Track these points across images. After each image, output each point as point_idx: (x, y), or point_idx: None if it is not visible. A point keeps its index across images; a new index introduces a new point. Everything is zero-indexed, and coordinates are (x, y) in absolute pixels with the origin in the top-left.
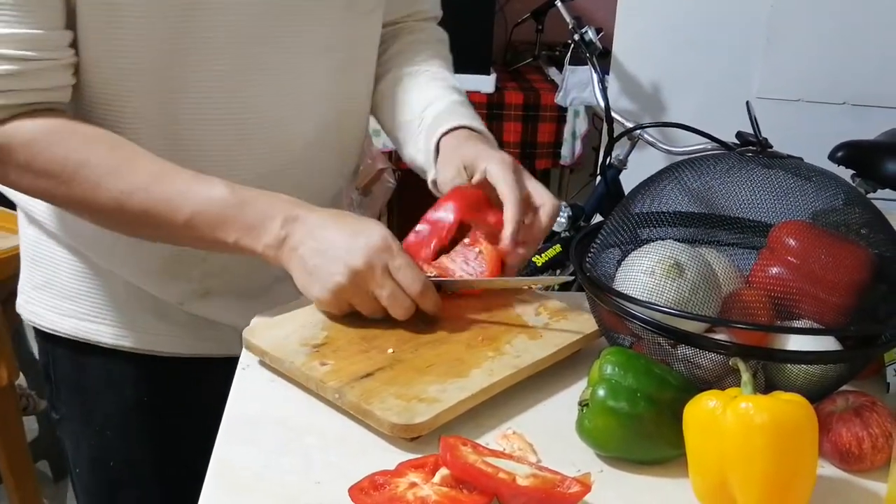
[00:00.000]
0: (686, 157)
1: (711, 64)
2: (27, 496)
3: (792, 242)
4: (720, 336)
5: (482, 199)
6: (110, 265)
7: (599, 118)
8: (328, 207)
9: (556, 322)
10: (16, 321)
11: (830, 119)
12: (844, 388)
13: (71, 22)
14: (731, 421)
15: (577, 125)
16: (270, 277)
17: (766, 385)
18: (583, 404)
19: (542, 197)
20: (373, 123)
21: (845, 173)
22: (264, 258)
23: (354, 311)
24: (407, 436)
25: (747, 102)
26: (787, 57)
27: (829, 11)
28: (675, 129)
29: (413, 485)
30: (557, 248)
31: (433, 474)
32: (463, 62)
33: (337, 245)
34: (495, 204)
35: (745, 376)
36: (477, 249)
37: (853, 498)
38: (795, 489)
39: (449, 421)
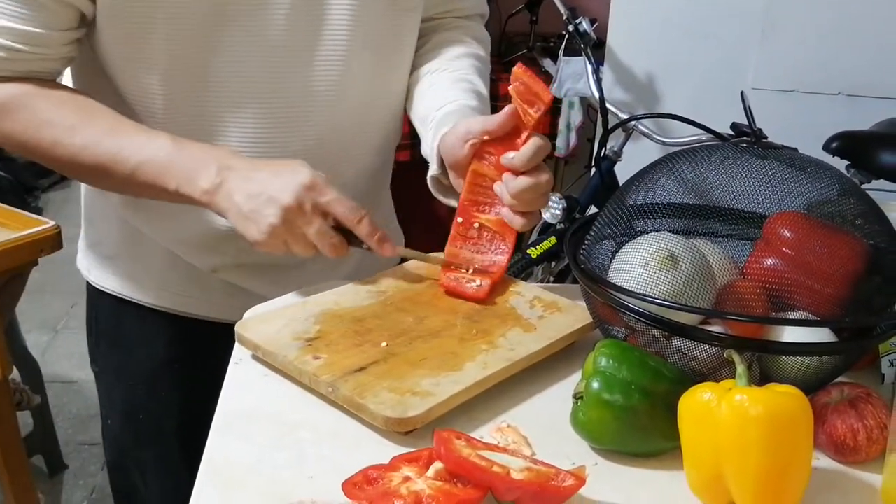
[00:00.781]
0: (681, 148)
1: (706, 55)
2: (22, 491)
3: (787, 233)
4: (715, 328)
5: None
6: (151, 233)
7: (594, 109)
8: (363, 192)
9: (551, 314)
10: (9, 316)
11: (825, 109)
12: (839, 379)
13: (85, 20)
14: (725, 413)
15: (571, 116)
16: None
17: (760, 377)
18: (577, 397)
19: None
20: None
21: (839, 164)
22: (203, 205)
23: (349, 303)
24: (401, 429)
25: (742, 93)
26: (782, 47)
27: (825, 2)
28: (669, 120)
29: (407, 479)
30: (552, 239)
31: (427, 468)
32: None
33: (268, 187)
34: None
35: (740, 368)
36: (476, 226)
37: (848, 490)
38: (790, 481)
39: (443, 414)
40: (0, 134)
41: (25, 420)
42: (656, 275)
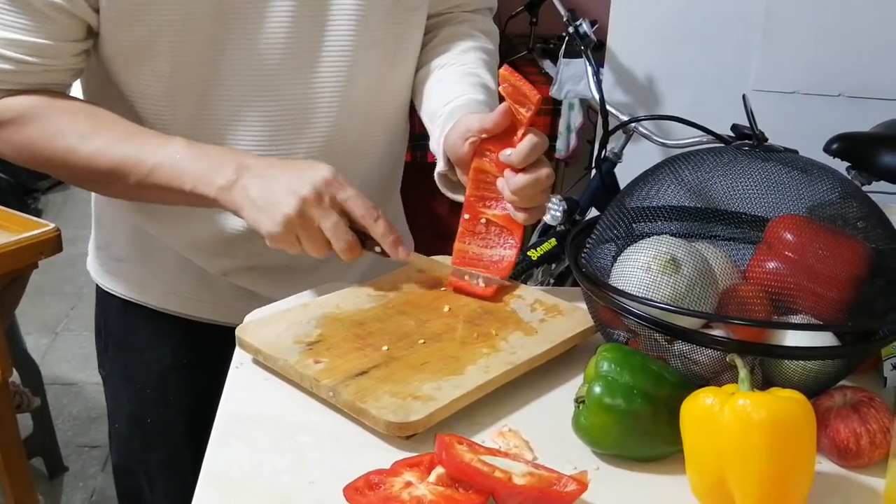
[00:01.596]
0: (681, 150)
1: (707, 56)
2: (22, 493)
3: (789, 237)
4: (717, 332)
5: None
6: (162, 236)
7: (594, 111)
8: (372, 193)
9: (552, 318)
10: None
11: (826, 111)
12: (842, 383)
13: (92, 30)
14: (728, 418)
15: (571, 118)
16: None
17: (763, 381)
18: (579, 401)
19: None
20: None
21: (840, 165)
22: (218, 203)
23: (350, 307)
24: (402, 434)
25: (744, 96)
26: (782, 49)
27: (825, 4)
28: (670, 122)
29: (408, 484)
30: (553, 241)
31: (429, 473)
32: None
33: (285, 180)
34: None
35: (743, 372)
36: (483, 221)
37: (851, 494)
38: (793, 486)
39: (444, 419)
40: (14, 146)
41: (25, 422)
42: (658, 278)
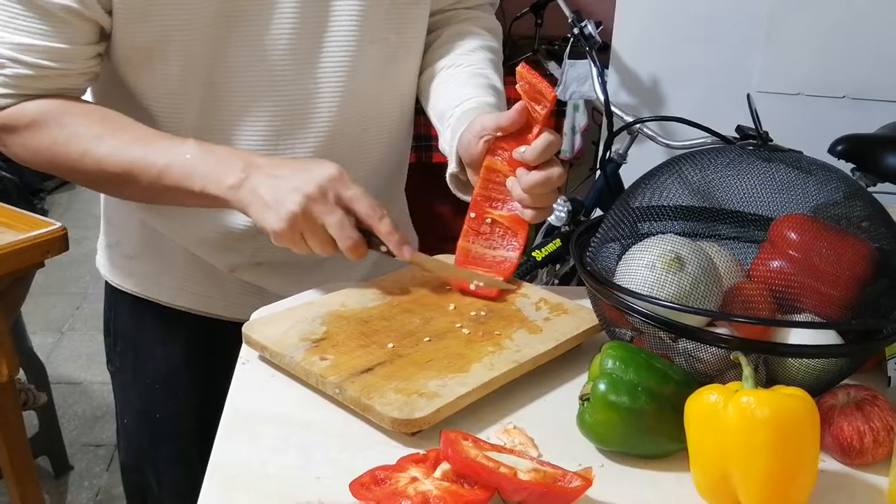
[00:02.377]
0: (686, 151)
1: (711, 58)
2: (27, 492)
3: (793, 236)
4: (721, 330)
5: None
6: (171, 233)
7: (599, 112)
8: (376, 190)
9: (557, 316)
10: (14, 317)
11: (830, 113)
12: (845, 382)
13: (104, 33)
14: (732, 415)
15: (576, 119)
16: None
17: (767, 379)
18: (584, 399)
19: None
20: None
21: (845, 167)
22: (227, 203)
23: (356, 304)
24: (408, 430)
25: (748, 95)
26: (786, 51)
27: (830, 5)
28: (674, 123)
29: (414, 479)
30: (557, 242)
31: (434, 469)
32: None
33: (292, 179)
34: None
35: (747, 370)
36: (489, 221)
37: (855, 492)
38: (797, 483)
39: (450, 415)
40: (30, 150)
41: (31, 421)
42: (663, 277)
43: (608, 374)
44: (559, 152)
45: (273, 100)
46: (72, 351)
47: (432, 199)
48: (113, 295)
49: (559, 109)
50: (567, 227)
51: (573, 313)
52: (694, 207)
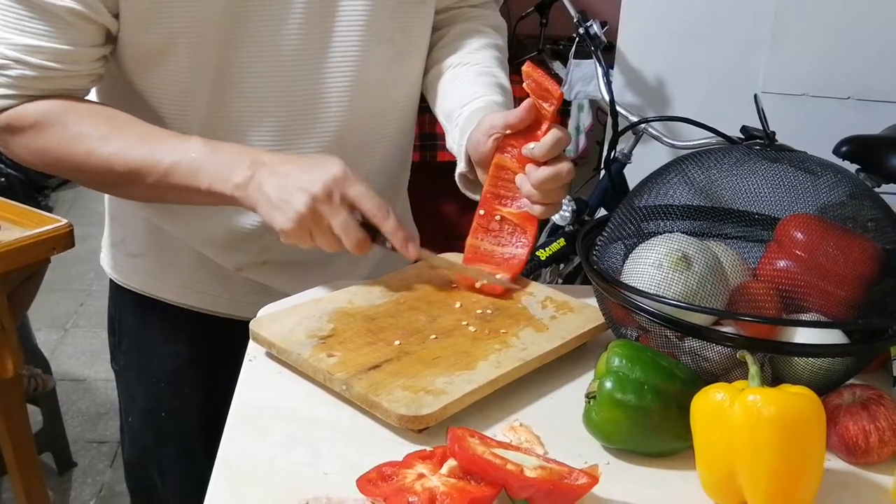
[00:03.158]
0: (691, 151)
1: (716, 58)
2: (32, 488)
3: (799, 236)
4: (727, 329)
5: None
6: (177, 232)
7: (604, 112)
8: (382, 188)
9: (563, 315)
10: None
11: (835, 113)
12: (851, 381)
13: (110, 35)
14: (738, 414)
15: (581, 119)
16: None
17: (772, 378)
18: (590, 397)
19: None
20: None
21: (850, 168)
22: (234, 201)
23: (363, 302)
24: (415, 427)
25: (755, 95)
26: (792, 51)
27: (835, 6)
28: (679, 123)
29: (421, 476)
30: (562, 241)
31: (441, 465)
32: None
33: (298, 177)
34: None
35: (753, 369)
36: (498, 218)
37: (860, 491)
38: (803, 482)
39: (456, 412)
40: (33, 151)
41: (35, 417)
42: (669, 276)
43: (614, 372)
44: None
45: (280, 99)
46: (76, 348)
47: (437, 198)
48: (117, 293)
49: (564, 109)
50: (571, 227)
51: (579, 312)
52: (700, 207)
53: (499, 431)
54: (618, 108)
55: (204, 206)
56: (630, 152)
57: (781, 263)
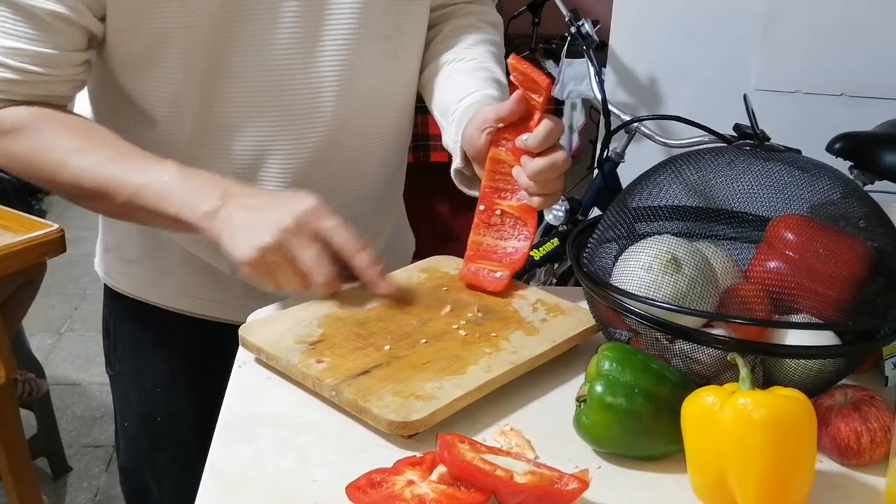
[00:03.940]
0: (683, 149)
1: (708, 56)
2: (26, 493)
3: (790, 236)
4: (718, 331)
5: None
6: (171, 235)
7: (596, 111)
8: (378, 190)
9: (553, 317)
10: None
11: (828, 110)
12: (843, 382)
13: (94, 40)
14: (729, 416)
15: (573, 118)
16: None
17: (764, 380)
18: (580, 400)
19: None
20: None
21: (842, 165)
22: (201, 230)
23: (352, 306)
24: (404, 433)
25: (745, 96)
26: (784, 48)
27: (827, 2)
28: (672, 121)
29: (411, 482)
30: (555, 241)
31: (431, 472)
32: None
33: (268, 210)
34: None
35: (744, 371)
36: (498, 212)
37: (852, 492)
38: (794, 484)
39: (446, 418)
40: (9, 156)
41: (29, 422)
42: (659, 278)
43: (605, 375)
44: None
45: (273, 99)
46: (70, 352)
47: (431, 199)
48: (112, 298)
49: (556, 108)
50: (565, 227)
51: (570, 314)
52: (691, 207)
53: (489, 436)
54: (610, 106)
55: None
56: (623, 151)
57: (772, 264)
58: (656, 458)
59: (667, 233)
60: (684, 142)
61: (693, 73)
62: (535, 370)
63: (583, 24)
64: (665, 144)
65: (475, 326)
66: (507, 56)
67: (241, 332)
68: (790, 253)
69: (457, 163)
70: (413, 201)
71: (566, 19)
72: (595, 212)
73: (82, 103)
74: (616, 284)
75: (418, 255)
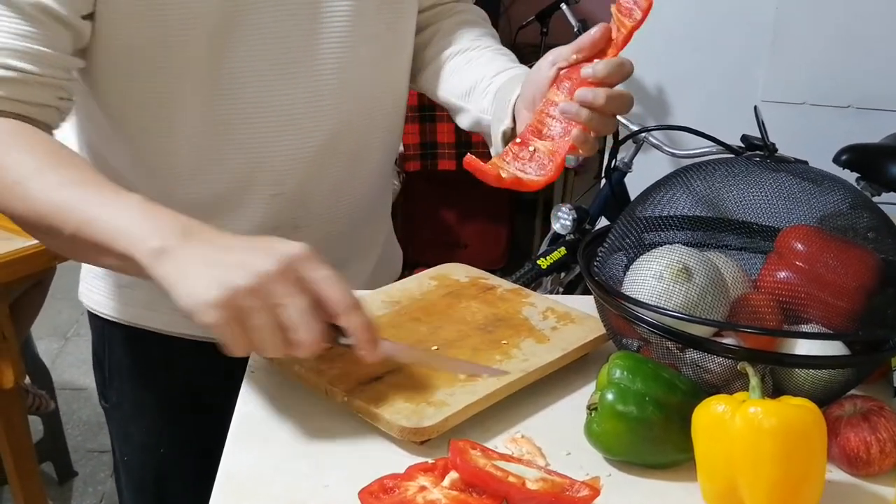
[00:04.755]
0: (691, 160)
1: (716, 67)
2: (32, 498)
3: (799, 247)
4: (728, 340)
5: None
6: None
7: None
8: (375, 196)
9: (564, 326)
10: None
11: (835, 122)
12: (852, 392)
13: (81, 48)
14: (739, 425)
15: None
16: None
17: (773, 389)
18: (591, 408)
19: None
20: None
21: (850, 176)
22: (144, 272)
23: None
24: (416, 439)
25: (755, 107)
26: (791, 60)
27: (834, 14)
28: (680, 132)
29: (423, 488)
30: (562, 250)
31: (443, 478)
32: None
33: (244, 250)
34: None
35: (754, 381)
36: (531, 149)
37: (861, 502)
38: (804, 494)
39: (458, 425)
40: None
41: (35, 427)
42: (670, 287)
43: (616, 383)
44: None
45: (272, 101)
46: (77, 356)
47: (437, 206)
48: (103, 328)
49: None
50: (572, 235)
51: (580, 322)
52: (701, 218)
53: (500, 443)
54: (618, 116)
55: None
56: (631, 161)
57: (782, 274)
58: (667, 466)
59: (677, 242)
60: (692, 152)
61: (700, 83)
62: (546, 378)
63: None
64: (673, 155)
65: (486, 334)
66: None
67: None
68: (800, 263)
69: (507, 123)
70: (420, 209)
71: (575, 29)
72: (602, 221)
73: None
74: (627, 293)
75: (425, 264)
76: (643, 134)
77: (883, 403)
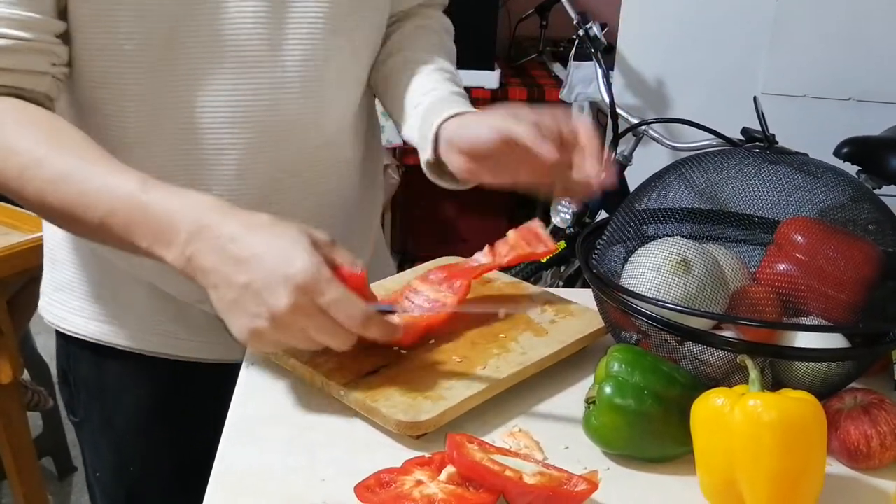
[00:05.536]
0: (691, 152)
1: (716, 59)
2: (32, 493)
3: (799, 239)
4: (728, 333)
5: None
6: (130, 266)
7: (604, 114)
8: (361, 193)
9: (562, 319)
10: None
11: (836, 115)
12: (852, 385)
13: (63, 14)
14: (738, 418)
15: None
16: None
17: (773, 382)
18: (589, 402)
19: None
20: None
21: (850, 169)
22: (182, 274)
23: None
24: (413, 433)
25: (755, 98)
26: (792, 52)
27: (835, 7)
28: (680, 124)
29: (419, 482)
30: (562, 244)
31: (440, 472)
32: (466, 58)
33: (255, 277)
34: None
35: (753, 373)
36: (457, 284)
37: (861, 496)
38: (804, 487)
39: (455, 418)
40: None
41: (35, 422)
42: (669, 279)
43: (614, 377)
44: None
45: (234, 92)
46: None
47: (437, 200)
48: (67, 345)
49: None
50: (572, 229)
51: (579, 316)
52: (700, 210)
53: (498, 437)
54: (618, 109)
55: None
56: (630, 154)
57: (781, 267)
58: (665, 459)
59: (676, 235)
60: (692, 145)
61: (701, 76)
62: (544, 371)
63: (591, 27)
64: (673, 147)
65: (484, 328)
66: (510, 62)
67: None
68: (800, 255)
69: (427, 154)
70: (420, 203)
71: (574, 22)
72: (602, 214)
73: None
74: (626, 286)
75: (423, 259)
76: (643, 127)
77: (883, 396)
